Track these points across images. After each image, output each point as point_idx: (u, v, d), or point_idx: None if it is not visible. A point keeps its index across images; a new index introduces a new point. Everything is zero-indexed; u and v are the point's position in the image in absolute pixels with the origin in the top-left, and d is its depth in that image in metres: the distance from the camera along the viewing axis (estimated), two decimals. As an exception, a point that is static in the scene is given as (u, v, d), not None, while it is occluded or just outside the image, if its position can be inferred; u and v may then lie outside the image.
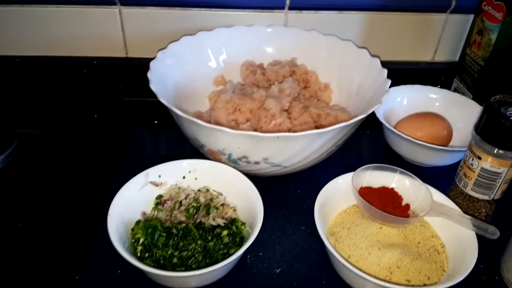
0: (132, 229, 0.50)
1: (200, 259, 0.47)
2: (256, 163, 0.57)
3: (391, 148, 0.71)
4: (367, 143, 0.75)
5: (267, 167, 0.58)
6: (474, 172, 0.52)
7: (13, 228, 0.54)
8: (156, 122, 0.79)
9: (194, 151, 0.63)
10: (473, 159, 0.52)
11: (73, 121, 0.77)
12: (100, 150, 0.69)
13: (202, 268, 0.44)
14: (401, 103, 0.75)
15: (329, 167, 0.64)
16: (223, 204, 0.54)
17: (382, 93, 0.59)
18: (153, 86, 0.57)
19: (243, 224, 0.53)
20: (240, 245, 0.50)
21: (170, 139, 0.72)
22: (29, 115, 0.77)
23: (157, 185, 0.55)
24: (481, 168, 0.51)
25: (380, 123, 0.67)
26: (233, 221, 0.53)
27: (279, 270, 0.52)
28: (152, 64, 0.62)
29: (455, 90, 0.81)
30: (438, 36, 0.84)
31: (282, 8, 0.77)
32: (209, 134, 0.54)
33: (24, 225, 0.55)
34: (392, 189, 0.55)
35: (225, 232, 0.50)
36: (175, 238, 0.48)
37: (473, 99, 0.74)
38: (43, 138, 0.71)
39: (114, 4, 0.76)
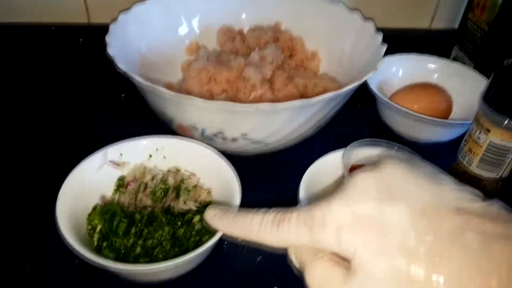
0: (89, 215, 0.45)
1: (168, 248, 0.43)
2: (234, 140, 0.53)
3: (385, 124, 0.67)
4: (358, 118, 0.71)
5: (246, 144, 0.54)
6: (481, 147, 0.48)
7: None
8: (123, 96, 0.73)
9: (168, 130, 0.58)
10: (480, 132, 0.48)
11: (28, 96, 0.70)
12: (58, 131, 0.64)
13: (170, 259, 0.40)
14: (396, 73, 0.71)
15: (317, 144, 0.60)
16: (195, 186, 0.50)
17: (376, 59, 0.55)
18: (111, 51, 0.51)
19: (218, 207, 0.48)
20: (214, 232, 0.45)
21: (140, 116, 0.67)
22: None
23: (118, 165, 0.50)
24: (490, 142, 0.47)
25: (373, 97, 0.63)
26: (207, 206, 0.48)
27: (260, 258, 0.48)
28: (112, 27, 0.56)
29: (454, 59, 0.78)
30: (436, 1, 0.80)
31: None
32: (177, 106, 0.49)
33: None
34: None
35: (197, 218, 0.45)
36: (139, 225, 0.44)
37: (474, 68, 0.70)
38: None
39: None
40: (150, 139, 0.52)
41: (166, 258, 0.42)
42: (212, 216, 0.35)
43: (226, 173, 0.48)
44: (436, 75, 0.71)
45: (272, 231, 0.27)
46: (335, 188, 0.28)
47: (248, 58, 0.60)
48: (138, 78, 0.47)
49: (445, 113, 0.66)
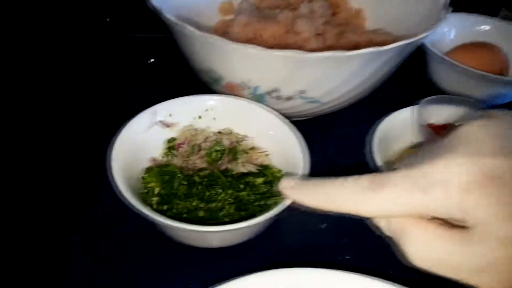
0: (143, 178, 0.42)
1: (232, 211, 0.40)
2: (289, 98, 0.49)
3: (434, 84, 0.64)
4: (407, 81, 0.67)
5: (300, 104, 0.51)
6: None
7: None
8: (152, 60, 0.69)
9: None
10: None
11: (52, 67, 0.66)
12: (86, 102, 0.60)
13: (238, 222, 0.37)
14: (448, 34, 0.67)
15: (367, 108, 0.56)
16: (252, 148, 0.47)
17: (432, 18, 0.51)
18: (154, 2, 0.47)
19: (279, 171, 0.45)
20: (278, 195, 0.42)
21: (172, 82, 0.63)
22: None
23: (167, 126, 0.47)
24: None
25: (417, 57, 0.59)
26: (266, 168, 0.45)
27: (324, 225, 0.45)
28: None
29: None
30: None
31: None
32: (232, 59, 0.45)
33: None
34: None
35: (260, 179, 0.42)
36: (199, 187, 0.41)
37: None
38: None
39: None
40: (200, 98, 0.48)
41: (232, 221, 0.39)
42: (289, 187, 0.31)
43: (287, 137, 0.44)
44: (489, 35, 0.68)
45: (368, 198, 0.24)
46: (436, 144, 0.25)
47: (297, 11, 0.56)
48: (190, 27, 0.43)
49: (502, 73, 0.63)
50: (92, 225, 0.43)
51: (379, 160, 0.42)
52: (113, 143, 0.40)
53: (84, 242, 0.42)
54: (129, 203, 0.35)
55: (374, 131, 0.46)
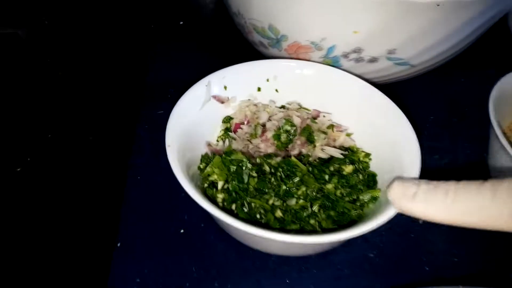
0: (200, 168, 0.34)
1: (317, 210, 0.32)
2: (372, 60, 0.40)
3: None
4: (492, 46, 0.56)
5: (384, 67, 0.41)
6: None
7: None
8: (181, 23, 0.60)
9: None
10: None
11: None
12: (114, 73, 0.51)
13: (333, 229, 0.29)
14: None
15: (454, 73, 0.47)
16: (331, 127, 0.38)
17: None
18: None
19: (367, 155, 0.36)
20: (371, 187, 0.34)
21: (206, 46, 0.54)
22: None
23: (222, 102, 0.38)
24: None
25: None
26: (351, 152, 0.37)
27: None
28: None
29: None
30: None
31: None
32: (304, 10, 0.36)
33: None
34: None
35: (349, 168, 0.34)
36: (272, 179, 0.32)
37: None
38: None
39: None
40: (260, 64, 0.39)
41: (320, 224, 0.31)
42: (408, 196, 0.24)
43: (386, 114, 0.35)
44: None
45: None
46: None
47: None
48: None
49: None
50: (136, 225, 0.36)
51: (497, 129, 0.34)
52: (168, 126, 0.32)
53: (128, 247, 0.34)
54: (199, 203, 0.27)
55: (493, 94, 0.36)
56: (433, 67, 0.44)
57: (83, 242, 0.34)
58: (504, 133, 0.40)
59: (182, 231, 0.35)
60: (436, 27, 0.36)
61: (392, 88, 0.42)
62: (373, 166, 0.36)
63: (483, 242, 0.36)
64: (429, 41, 0.38)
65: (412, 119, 0.34)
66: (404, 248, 0.35)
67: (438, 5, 0.32)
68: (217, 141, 0.38)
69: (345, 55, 0.40)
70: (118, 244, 0.34)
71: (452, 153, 0.44)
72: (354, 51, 0.39)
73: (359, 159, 0.36)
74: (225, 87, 0.38)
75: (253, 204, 0.31)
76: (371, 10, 0.33)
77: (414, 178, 0.28)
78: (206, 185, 0.33)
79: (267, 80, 0.40)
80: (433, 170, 0.41)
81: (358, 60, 0.40)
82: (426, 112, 0.48)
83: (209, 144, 0.37)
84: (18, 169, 0.38)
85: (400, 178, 0.27)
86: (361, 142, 0.38)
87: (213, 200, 0.32)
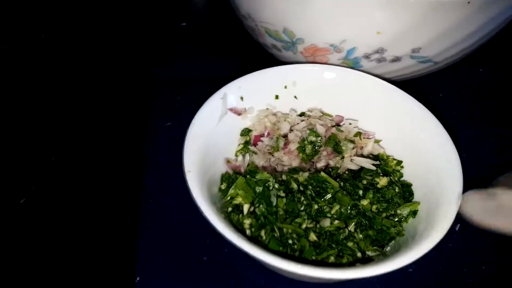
0: (221, 190, 0.31)
1: (353, 229, 0.30)
2: (395, 60, 0.38)
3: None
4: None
5: (407, 66, 0.39)
6: None
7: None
8: (184, 24, 0.57)
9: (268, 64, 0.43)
10: None
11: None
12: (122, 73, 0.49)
13: (371, 250, 0.27)
14: None
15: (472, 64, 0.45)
16: (358, 134, 0.35)
17: None
18: None
19: (399, 162, 0.34)
20: (407, 199, 0.32)
21: (211, 51, 0.52)
22: None
23: (238, 114, 0.36)
24: None
25: None
26: (381, 160, 0.35)
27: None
28: None
29: None
30: None
31: None
32: (323, 12, 0.34)
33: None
34: None
35: (384, 180, 0.32)
36: (301, 199, 0.30)
37: None
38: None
39: None
40: (277, 70, 0.37)
41: (359, 246, 0.29)
42: (490, 210, 0.22)
43: (418, 119, 0.33)
44: None
45: None
46: None
47: None
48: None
49: None
50: (155, 256, 0.33)
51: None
52: (185, 145, 0.29)
53: (148, 281, 0.32)
54: (228, 239, 0.25)
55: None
56: (454, 62, 0.42)
57: (98, 281, 0.32)
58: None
59: (205, 258, 0.33)
60: (464, 24, 0.34)
61: (409, 84, 0.40)
62: (406, 175, 0.34)
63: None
64: (455, 39, 0.36)
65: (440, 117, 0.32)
66: (443, 260, 0.34)
67: (468, 2, 0.30)
68: (236, 155, 0.36)
69: (366, 56, 0.38)
70: (137, 279, 0.32)
71: (480, 150, 0.42)
72: (376, 52, 0.37)
73: (392, 169, 0.34)
74: (242, 98, 0.36)
75: (284, 230, 0.29)
76: (397, 9, 0.31)
77: (487, 190, 0.26)
78: (230, 209, 0.30)
79: (285, 87, 0.37)
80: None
81: (380, 60, 0.38)
82: (448, 107, 0.46)
83: (228, 161, 0.34)
84: (22, 201, 0.35)
85: (472, 191, 0.25)
86: (391, 149, 0.36)
87: (237, 227, 0.30)
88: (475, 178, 0.39)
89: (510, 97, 0.47)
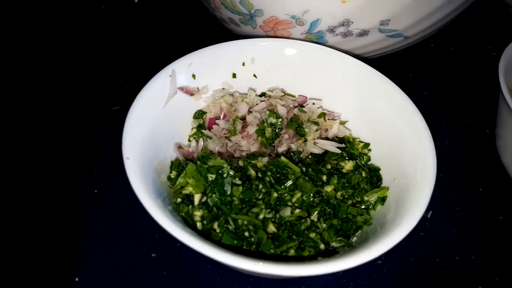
0: (170, 178, 0.28)
1: (316, 219, 0.27)
2: (362, 33, 0.35)
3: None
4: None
5: (376, 41, 0.37)
6: None
7: None
8: (136, 1, 0.53)
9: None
10: None
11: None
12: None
13: (335, 241, 0.25)
14: None
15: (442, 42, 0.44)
16: (322, 115, 0.33)
17: None
18: None
19: (366, 145, 0.32)
20: (375, 184, 0.30)
21: (165, 26, 0.48)
22: None
23: (191, 94, 0.33)
24: None
25: None
26: (347, 143, 0.32)
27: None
28: None
29: None
30: None
31: None
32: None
33: None
34: None
35: (349, 164, 0.29)
36: (260, 186, 0.27)
37: None
38: None
39: None
40: (233, 46, 0.34)
41: (322, 237, 0.27)
42: None
43: (387, 96, 0.31)
44: None
45: None
46: None
47: None
48: None
49: None
50: (96, 252, 0.30)
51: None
52: (124, 128, 0.26)
53: (89, 281, 0.29)
54: (169, 230, 0.22)
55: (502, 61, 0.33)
56: (424, 38, 0.40)
57: (35, 281, 0.29)
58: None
59: (153, 255, 0.30)
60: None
61: (378, 62, 0.37)
62: (374, 159, 0.32)
63: (502, 233, 0.33)
64: (425, 10, 0.34)
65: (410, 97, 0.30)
66: (415, 250, 0.32)
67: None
68: (189, 140, 0.33)
69: (331, 30, 0.35)
70: (76, 279, 0.29)
71: (452, 132, 0.41)
72: (342, 25, 0.34)
73: (359, 152, 0.31)
74: (194, 76, 0.33)
75: (239, 221, 0.26)
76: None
77: None
78: (179, 199, 0.27)
79: (243, 64, 0.34)
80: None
81: (346, 34, 0.35)
82: (419, 87, 0.44)
83: (179, 147, 0.31)
84: None
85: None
86: (357, 130, 0.33)
87: (187, 220, 0.27)
88: (448, 160, 0.38)
89: (482, 76, 0.46)
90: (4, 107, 0.37)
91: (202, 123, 0.33)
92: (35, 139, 0.36)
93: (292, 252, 0.26)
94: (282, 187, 0.28)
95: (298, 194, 0.28)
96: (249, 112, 0.33)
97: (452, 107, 0.42)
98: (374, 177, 0.30)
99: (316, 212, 0.28)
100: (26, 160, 0.34)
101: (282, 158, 0.29)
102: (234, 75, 0.34)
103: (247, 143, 0.32)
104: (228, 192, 0.27)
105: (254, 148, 0.31)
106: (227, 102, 0.33)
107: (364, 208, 0.28)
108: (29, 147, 0.35)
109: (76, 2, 0.49)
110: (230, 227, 0.26)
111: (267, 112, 0.32)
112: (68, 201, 0.33)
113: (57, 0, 0.48)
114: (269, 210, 0.27)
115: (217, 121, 0.33)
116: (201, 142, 0.32)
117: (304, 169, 0.29)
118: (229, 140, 0.32)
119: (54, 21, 0.47)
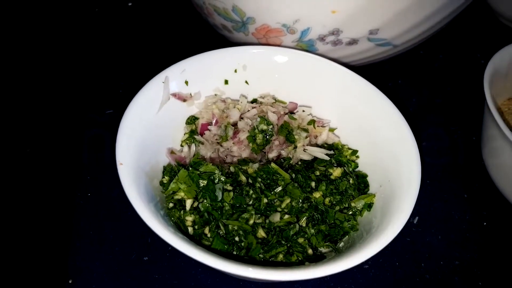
0: (163, 183, 0.29)
1: (304, 224, 0.28)
2: (351, 42, 0.37)
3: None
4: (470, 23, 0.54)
5: (364, 50, 0.38)
6: None
7: None
8: (130, 4, 0.54)
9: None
10: None
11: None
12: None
13: (323, 247, 0.26)
14: None
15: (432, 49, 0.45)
16: (312, 122, 0.34)
17: None
18: None
19: (355, 152, 0.33)
20: (362, 191, 0.31)
21: (159, 33, 0.49)
22: None
23: (184, 100, 0.34)
24: None
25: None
26: (336, 150, 0.33)
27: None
28: None
29: None
30: None
31: None
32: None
33: None
34: None
35: (337, 171, 0.30)
36: (250, 192, 0.28)
37: None
38: None
39: None
40: (226, 53, 0.35)
41: (310, 242, 0.28)
42: None
43: (375, 105, 0.32)
44: None
45: None
46: None
47: None
48: None
49: None
50: (89, 255, 0.31)
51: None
52: (118, 136, 0.27)
53: (82, 283, 0.30)
54: (160, 235, 0.23)
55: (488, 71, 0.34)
56: (413, 46, 0.42)
57: (27, 283, 0.29)
58: (500, 110, 0.39)
59: (145, 258, 0.31)
60: (422, 4, 0.33)
61: (367, 70, 0.39)
62: (362, 166, 0.33)
63: (486, 239, 0.34)
64: (413, 20, 0.35)
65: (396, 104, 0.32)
66: (401, 255, 0.33)
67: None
68: (182, 146, 0.33)
69: (321, 38, 0.36)
70: (70, 281, 0.29)
71: (439, 139, 0.42)
72: (332, 33, 0.36)
73: (347, 159, 0.32)
74: (186, 82, 0.34)
75: (230, 226, 0.27)
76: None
77: None
78: (171, 204, 0.28)
79: (235, 71, 0.35)
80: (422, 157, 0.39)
81: (336, 43, 0.37)
82: (408, 94, 0.45)
83: (172, 152, 0.32)
84: None
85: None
86: (346, 137, 0.35)
87: (179, 224, 0.28)
88: (435, 166, 0.39)
89: (470, 83, 0.47)
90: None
91: (195, 128, 0.34)
92: (29, 142, 0.36)
93: (280, 257, 0.27)
94: (272, 193, 0.29)
95: (287, 200, 0.29)
96: (241, 118, 0.34)
97: (440, 114, 0.44)
98: (361, 183, 0.31)
99: (304, 218, 0.29)
100: (21, 164, 0.35)
101: (272, 164, 0.30)
102: (226, 82, 0.35)
103: (239, 149, 0.33)
104: (219, 198, 0.28)
105: (245, 154, 0.33)
106: (219, 108, 0.34)
107: (351, 214, 0.29)
108: (23, 150, 0.35)
109: (70, 5, 0.50)
110: (221, 232, 0.27)
111: (258, 119, 0.33)
112: (61, 204, 0.33)
113: (51, 4, 0.49)
114: (259, 215, 0.28)
115: (209, 127, 0.34)
116: (193, 148, 0.33)
117: (293, 175, 0.30)
118: (221, 145, 0.33)
119: (48, 25, 0.48)
